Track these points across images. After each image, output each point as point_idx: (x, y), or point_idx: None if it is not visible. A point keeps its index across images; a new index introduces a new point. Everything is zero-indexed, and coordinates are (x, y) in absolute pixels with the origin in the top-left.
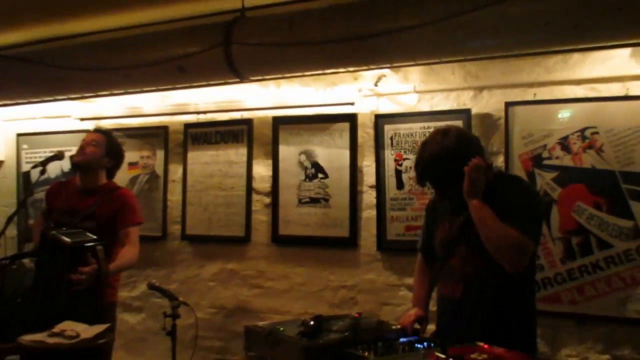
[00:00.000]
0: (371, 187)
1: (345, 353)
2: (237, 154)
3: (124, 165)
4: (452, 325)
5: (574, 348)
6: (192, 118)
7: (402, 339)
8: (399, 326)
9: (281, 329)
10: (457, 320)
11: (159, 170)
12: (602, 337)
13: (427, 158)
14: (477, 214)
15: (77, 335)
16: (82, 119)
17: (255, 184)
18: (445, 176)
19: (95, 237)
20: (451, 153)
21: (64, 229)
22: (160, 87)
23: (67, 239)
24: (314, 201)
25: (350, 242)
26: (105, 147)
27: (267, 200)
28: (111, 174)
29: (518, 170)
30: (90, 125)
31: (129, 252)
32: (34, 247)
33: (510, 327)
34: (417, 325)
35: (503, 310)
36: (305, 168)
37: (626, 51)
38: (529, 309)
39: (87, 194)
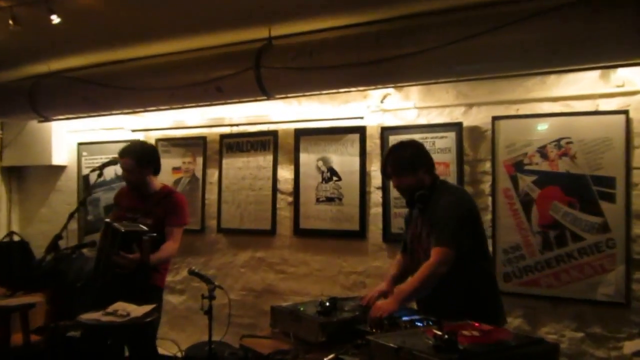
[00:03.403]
0: (378, 188)
1: (356, 329)
2: (264, 160)
3: (169, 169)
4: (427, 300)
5: (552, 326)
6: (226, 130)
7: (404, 318)
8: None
9: (301, 308)
10: (429, 299)
11: (199, 174)
12: (575, 317)
13: (390, 163)
14: (409, 295)
15: (128, 314)
16: (133, 130)
17: (280, 186)
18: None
19: (145, 228)
20: (406, 161)
21: (124, 222)
22: (200, 104)
23: (121, 228)
24: (329, 200)
25: (360, 234)
26: (136, 165)
27: (290, 199)
28: (157, 170)
29: (502, 174)
30: (141, 136)
31: (169, 247)
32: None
33: (471, 299)
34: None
35: (460, 286)
36: (322, 172)
37: (595, 73)
38: (482, 279)
39: (147, 197)
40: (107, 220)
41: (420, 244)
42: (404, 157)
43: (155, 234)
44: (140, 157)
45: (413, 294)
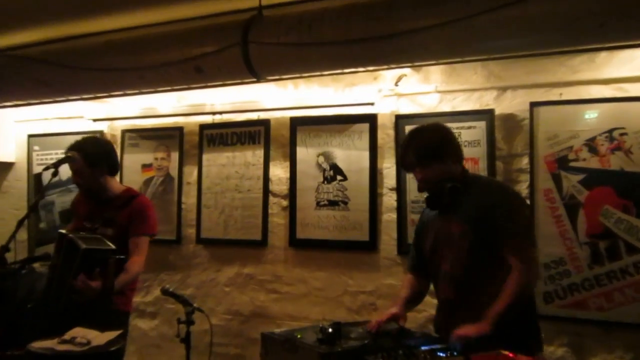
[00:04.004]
0: (391, 189)
1: None
2: (254, 155)
3: (137, 167)
4: (450, 325)
5: (602, 357)
6: (207, 119)
7: (423, 347)
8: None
9: (298, 335)
10: (453, 320)
11: (174, 173)
12: (632, 345)
13: (415, 150)
14: (500, 316)
15: (88, 342)
16: (95, 120)
17: (273, 187)
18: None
19: (112, 246)
20: (435, 146)
21: (82, 233)
22: (176, 88)
23: (82, 244)
24: (332, 204)
25: (370, 245)
26: (86, 167)
27: (285, 202)
28: (113, 171)
29: (542, 172)
30: (104, 126)
31: (134, 265)
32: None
33: (507, 325)
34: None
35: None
36: (324, 170)
37: None
38: (526, 304)
39: (107, 203)
40: (62, 231)
41: (450, 249)
42: (432, 141)
43: (123, 257)
44: (89, 154)
45: (508, 309)
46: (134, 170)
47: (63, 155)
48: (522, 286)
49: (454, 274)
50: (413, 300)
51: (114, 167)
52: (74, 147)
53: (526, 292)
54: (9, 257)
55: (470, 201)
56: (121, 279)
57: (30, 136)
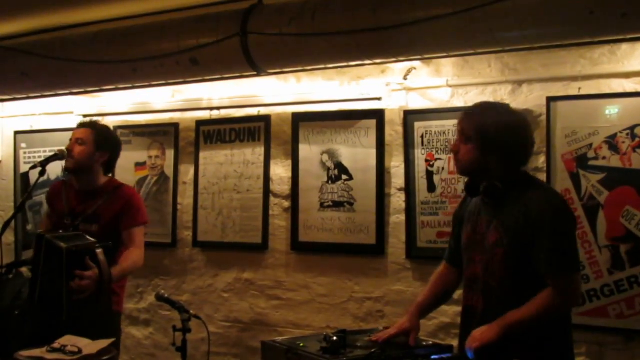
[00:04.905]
0: (400, 189)
1: None
2: (253, 153)
3: (130, 165)
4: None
5: None
6: (204, 114)
7: (434, 356)
8: (430, 342)
9: (301, 344)
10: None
11: (169, 172)
12: None
13: (468, 118)
14: (515, 328)
15: (79, 351)
16: (85, 116)
17: (274, 187)
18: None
19: (93, 240)
20: (480, 131)
21: (60, 232)
22: (171, 81)
23: (61, 243)
24: (337, 205)
25: (377, 249)
26: (94, 141)
27: (286, 203)
28: (109, 167)
29: (560, 171)
30: None
31: (133, 254)
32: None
33: (540, 344)
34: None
35: None
36: (328, 169)
37: None
38: (561, 322)
39: (88, 195)
40: (41, 232)
41: (482, 253)
42: (484, 125)
43: (110, 243)
44: (101, 133)
45: (524, 324)
46: (126, 169)
47: (52, 153)
48: (548, 311)
49: (486, 283)
50: (435, 303)
51: (113, 163)
52: (86, 123)
53: (551, 317)
54: None
55: (514, 208)
56: (119, 268)
57: (16, 133)
